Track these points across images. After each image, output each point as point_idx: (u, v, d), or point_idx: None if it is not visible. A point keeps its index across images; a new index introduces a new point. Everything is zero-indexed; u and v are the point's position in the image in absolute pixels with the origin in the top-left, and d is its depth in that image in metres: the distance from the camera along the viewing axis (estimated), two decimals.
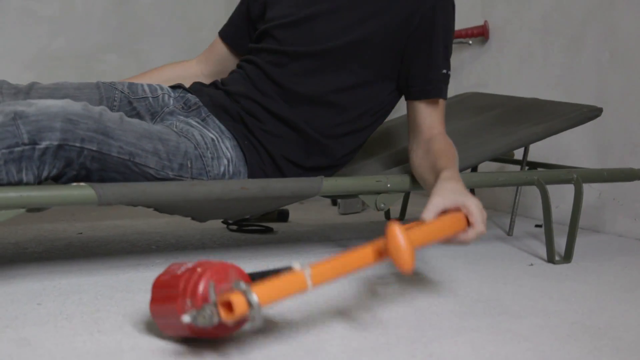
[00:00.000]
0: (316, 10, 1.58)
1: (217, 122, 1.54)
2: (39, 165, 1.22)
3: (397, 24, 1.54)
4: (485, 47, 2.64)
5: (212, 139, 1.48)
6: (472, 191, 2.20)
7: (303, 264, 1.00)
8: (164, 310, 1.00)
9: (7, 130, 1.19)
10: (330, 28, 1.56)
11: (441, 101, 1.58)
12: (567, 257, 1.72)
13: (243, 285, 0.93)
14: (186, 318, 0.91)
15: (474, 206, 1.23)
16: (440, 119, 1.58)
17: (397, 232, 1.06)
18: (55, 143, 1.22)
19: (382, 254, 1.09)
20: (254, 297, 0.91)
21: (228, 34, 1.78)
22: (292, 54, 1.57)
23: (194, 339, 1.02)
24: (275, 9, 1.64)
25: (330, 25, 1.56)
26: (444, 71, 1.57)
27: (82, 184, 1.27)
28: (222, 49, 1.78)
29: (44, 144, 1.21)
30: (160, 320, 1.02)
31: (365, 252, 1.08)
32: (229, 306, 0.92)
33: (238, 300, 0.91)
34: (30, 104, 1.22)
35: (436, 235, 1.18)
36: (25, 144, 1.20)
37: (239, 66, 1.66)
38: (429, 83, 1.56)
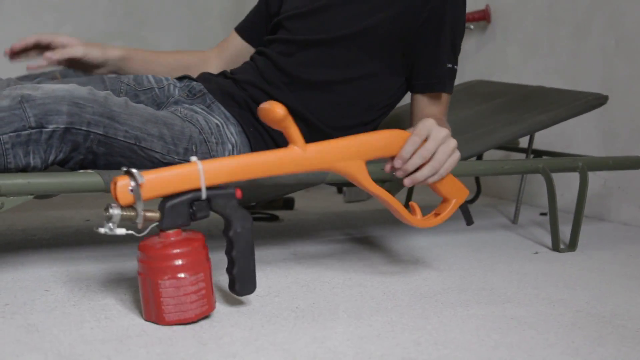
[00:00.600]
0: (329, 1, 1.59)
1: (222, 108, 1.54)
2: (45, 149, 1.23)
3: (406, 15, 1.54)
4: (490, 34, 2.63)
5: (217, 124, 1.48)
6: (477, 179, 2.21)
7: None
8: None
9: (14, 113, 1.20)
10: (341, 17, 1.57)
11: (445, 95, 1.58)
12: (572, 245, 1.72)
13: (133, 170, 1.00)
14: (101, 230, 0.99)
15: (421, 123, 1.22)
16: (443, 113, 1.59)
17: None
18: (62, 126, 1.23)
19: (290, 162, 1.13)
20: (138, 178, 0.99)
21: (244, 29, 1.79)
22: (300, 43, 1.57)
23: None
24: (290, 2, 1.66)
25: (341, 15, 1.57)
26: (450, 65, 1.56)
27: (89, 170, 1.27)
28: (237, 43, 1.79)
29: (50, 128, 1.22)
30: None
31: (271, 158, 1.11)
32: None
33: (122, 181, 0.99)
34: (37, 88, 1.23)
35: (358, 144, 1.20)
36: (32, 128, 1.21)
37: (250, 58, 1.67)
38: (434, 77, 1.56)
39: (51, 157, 1.25)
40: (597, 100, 1.87)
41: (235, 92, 1.57)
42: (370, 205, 2.33)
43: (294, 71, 1.56)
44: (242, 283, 1.11)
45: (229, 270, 1.12)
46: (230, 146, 1.48)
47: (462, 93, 2.18)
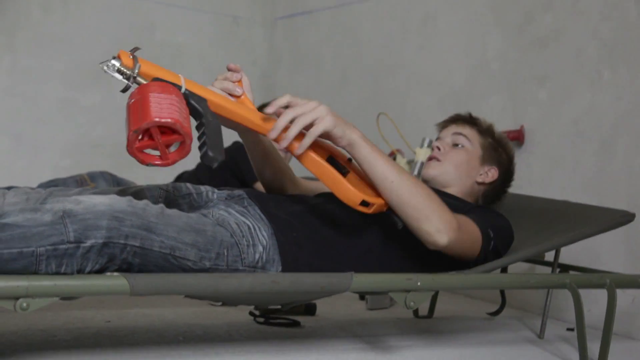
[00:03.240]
0: None
1: (258, 210, 1.56)
2: (81, 262, 1.24)
3: None
4: (517, 148, 2.66)
5: (249, 227, 1.50)
6: (501, 291, 2.18)
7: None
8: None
9: (55, 228, 1.22)
10: None
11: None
12: None
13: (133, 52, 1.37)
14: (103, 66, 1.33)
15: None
16: None
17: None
18: (101, 241, 1.25)
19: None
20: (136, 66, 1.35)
21: None
22: None
23: None
24: None
25: None
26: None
27: (115, 274, 1.28)
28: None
29: (89, 243, 1.24)
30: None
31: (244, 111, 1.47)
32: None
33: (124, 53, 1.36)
34: (79, 202, 1.26)
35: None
36: (70, 242, 1.22)
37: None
38: None
39: (87, 269, 1.26)
40: (624, 218, 1.86)
41: (275, 203, 1.60)
42: (393, 314, 2.30)
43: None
44: (211, 147, 1.31)
45: (206, 142, 1.32)
46: (261, 248, 1.49)
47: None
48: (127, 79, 1.35)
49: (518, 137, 2.59)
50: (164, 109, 1.28)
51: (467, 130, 1.90)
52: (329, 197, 1.65)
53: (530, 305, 2.53)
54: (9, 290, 1.17)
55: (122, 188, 1.60)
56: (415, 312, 2.26)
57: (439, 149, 1.89)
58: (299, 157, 1.47)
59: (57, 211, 1.23)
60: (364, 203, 1.49)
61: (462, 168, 1.86)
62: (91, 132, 3.54)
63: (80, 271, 1.25)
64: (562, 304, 2.35)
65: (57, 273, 1.23)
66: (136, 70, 1.35)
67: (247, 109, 1.49)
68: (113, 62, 1.35)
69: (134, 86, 1.36)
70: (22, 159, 3.41)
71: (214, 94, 1.45)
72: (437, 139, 1.95)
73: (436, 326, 2.10)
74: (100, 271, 1.29)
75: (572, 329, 2.18)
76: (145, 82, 1.36)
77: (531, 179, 2.60)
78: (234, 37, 3.94)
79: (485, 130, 1.92)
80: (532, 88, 2.61)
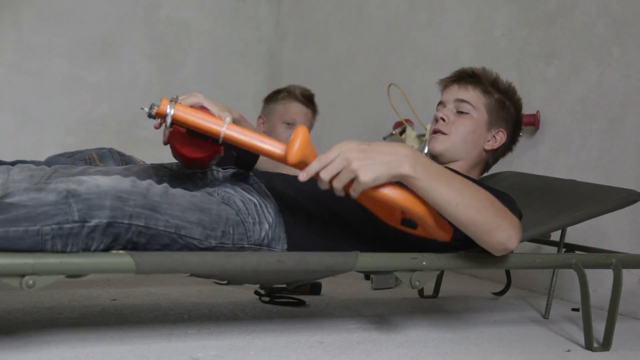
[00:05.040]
0: None
1: (264, 187, 1.55)
2: (86, 242, 1.24)
3: None
4: (523, 128, 2.64)
5: (255, 204, 1.49)
6: (507, 271, 2.17)
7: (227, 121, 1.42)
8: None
9: (59, 207, 1.21)
10: None
11: None
12: (606, 344, 1.68)
13: (176, 98, 1.43)
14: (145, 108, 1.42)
15: (332, 151, 1.33)
16: None
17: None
18: (105, 221, 1.24)
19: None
20: (173, 106, 1.40)
21: None
22: None
23: None
24: None
25: None
26: None
27: (121, 251, 1.28)
28: None
29: (93, 222, 1.24)
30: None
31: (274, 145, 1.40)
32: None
33: (164, 101, 1.41)
34: (82, 182, 1.25)
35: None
36: (75, 222, 1.22)
37: None
38: None
39: (92, 249, 1.26)
40: (630, 197, 1.85)
41: (282, 180, 1.59)
42: (398, 293, 2.30)
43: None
44: None
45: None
46: (267, 225, 1.49)
47: (495, 185, 2.18)
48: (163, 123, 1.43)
49: (533, 122, 2.54)
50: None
51: (471, 94, 1.83)
52: None
53: (535, 285, 2.53)
54: (15, 268, 1.17)
55: (127, 167, 1.60)
56: (421, 291, 2.26)
57: (443, 120, 1.83)
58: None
59: (61, 191, 1.23)
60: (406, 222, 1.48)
61: (469, 139, 1.82)
62: (96, 109, 3.54)
63: (85, 250, 1.25)
64: (567, 284, 2.35)
65: (63, 252, 1.23)
66: (169, 120, 1.40)
67: (283, 152, 1.39)
68: (148, 109, 1.43)
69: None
70: (27, 136, 3.41)
71: (254, 138, 1.41)
72: (440, 103, 1.89)
73: (441, 306, 2.11)
74: (106, 251, 1.29)
75: (577, 309, 2.18)
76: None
77: (537, 158, 2.59)
78: (240, 13, 3.91)
79: (490, 88, 1.85)
80: (539, 65, 2.59)
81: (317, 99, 2.78)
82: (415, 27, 3.19)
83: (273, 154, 1.40)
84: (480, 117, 1.83)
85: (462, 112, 1.82)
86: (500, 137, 1.86)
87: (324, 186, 1.34)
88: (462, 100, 1.83)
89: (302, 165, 1.36)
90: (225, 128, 1.40)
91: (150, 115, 1.42)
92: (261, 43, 3.98)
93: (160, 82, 3.62)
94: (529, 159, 2.62)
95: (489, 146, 1.86)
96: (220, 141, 1.41)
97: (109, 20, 3.53)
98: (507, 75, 1.94)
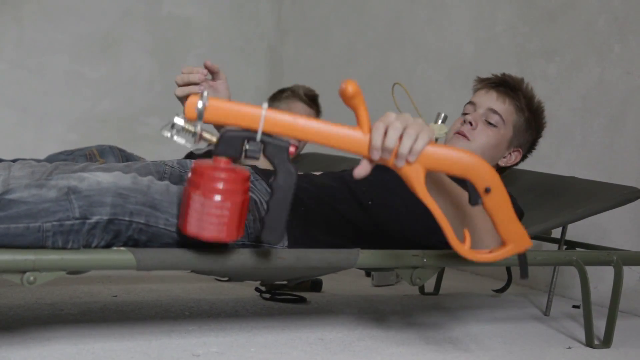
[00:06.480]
0: None
1: (265, 185, 1.55)
2: (87, 238, 1.24)
3: None
4: None
5: (255, 201, 1.49)
6: (507, 268, 2.17)
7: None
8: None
9: (60, 204, 1.22)
10: None
11: None
12: (607, 341, 1.68)
13: (204, 92, 1.14)
14: (165, 133, 1.15)
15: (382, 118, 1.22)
16: None
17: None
18: (105, 218, 1.25)
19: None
20: (204, 101, 1.13)
21: None
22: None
23: None
24: None
25: None
26: None
27: (122, 248, 1.28)
28: None
29: (94, 219, 1.24)
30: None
31: (333, 130, 1.19)
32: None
33: (193, 98, 1.13)
34: (83, 179, 1.25)
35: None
36: (76, 218, 1.22)
37: None
38: None
39: (93, 246, 1.26)
40: (632, 194, 1.85)
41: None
42: (399, 290, 2.30)
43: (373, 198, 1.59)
44: (269, 230, 1.19)
45: (262, 216, 1.22)
46: None
47: None
48: (193, 136, 1.18)
49: None
50: (204, 222, 1.16)
51: (506, 108, 1.79)
52: (336, 175, 1.65)
53: (536, 282, 2.53)
54: (16, 264, 1.17)
55: (128, 164, 1.60)
56: (421, 289, 2.26)
57: (470, 124, 1.77)
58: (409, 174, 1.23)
59: (62, 187, 1.23)
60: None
61: (488, 152, 1.77)
62: (97, 105, 3.53)
63: (86, 247, 1.25)
64: (568, 281, 2.35)
65: (64, 249, 1.23)
66: (199, 128, 1.16)
67: (340, 131, 1.22)
68: (177, 120, 1.16)
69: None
70: (28, 132, 3.40)
71: (301, 119, 1.20)
72: (471, 102, 1.82)
73: (442, 303, 2.11)
74: (106, 247, 1.29)
75: (578, 307, 2.18)
76: (210, 138, 1.18)
77: (538, 155, 2.58)
78: (241, 9, 3.90)
79: (524, 105, 1.82)
80: (541, 62, 2.59)
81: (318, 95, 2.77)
82: (417, 24, 3.19)
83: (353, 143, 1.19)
84: (505, 134, 1.79)
85: (490, 123, 1.78)
86: (516, 157, 1.85)
87: (387, 150, 1.20)
88: (495, 112, 1.78)
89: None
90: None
91: (174, 128, 1.17)
92: (262, 39, 3.98)
93: (162, 79, 3.61)
94: (529, 155, 2.62)
95: (503, 163, 1.84)
96: (259, 137, 1.17)
97: (110, 16, 3.52)
98: (508, 72, 1.93)
